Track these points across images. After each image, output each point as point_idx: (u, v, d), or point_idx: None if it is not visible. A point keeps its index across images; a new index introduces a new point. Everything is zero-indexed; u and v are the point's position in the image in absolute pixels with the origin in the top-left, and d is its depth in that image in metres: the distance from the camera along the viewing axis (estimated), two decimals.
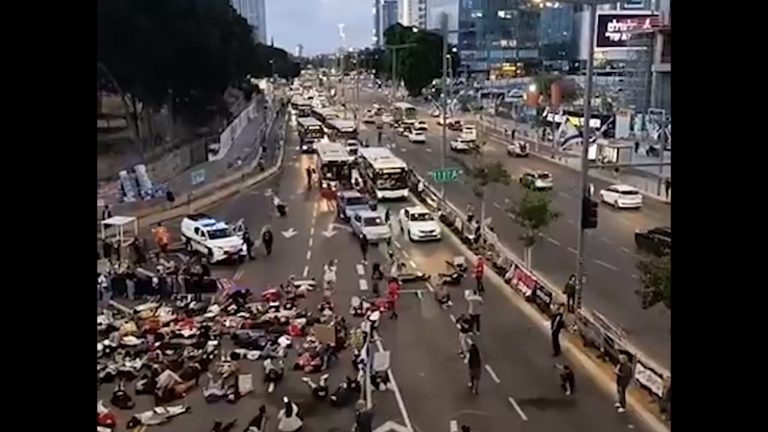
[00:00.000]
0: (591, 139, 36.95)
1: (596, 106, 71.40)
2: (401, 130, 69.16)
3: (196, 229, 29.71)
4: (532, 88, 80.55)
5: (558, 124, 60.26)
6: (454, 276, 25.71)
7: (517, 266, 25.33)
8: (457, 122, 70.65)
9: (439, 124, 77.52)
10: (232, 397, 16.65)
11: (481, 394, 16.76)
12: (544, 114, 69.30)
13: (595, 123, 52.00)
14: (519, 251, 26.49)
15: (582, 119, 44.78)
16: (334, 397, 16.42)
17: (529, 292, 23.47)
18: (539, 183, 40.59)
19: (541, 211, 24.46)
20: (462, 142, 60.44)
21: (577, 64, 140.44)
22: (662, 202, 37.67)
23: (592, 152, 42.72)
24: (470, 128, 71.17)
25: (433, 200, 39.54)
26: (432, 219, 33.59)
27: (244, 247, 29.06)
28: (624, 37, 65.96)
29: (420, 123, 79.61)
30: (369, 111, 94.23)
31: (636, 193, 38.61)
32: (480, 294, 22.71)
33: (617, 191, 38.51)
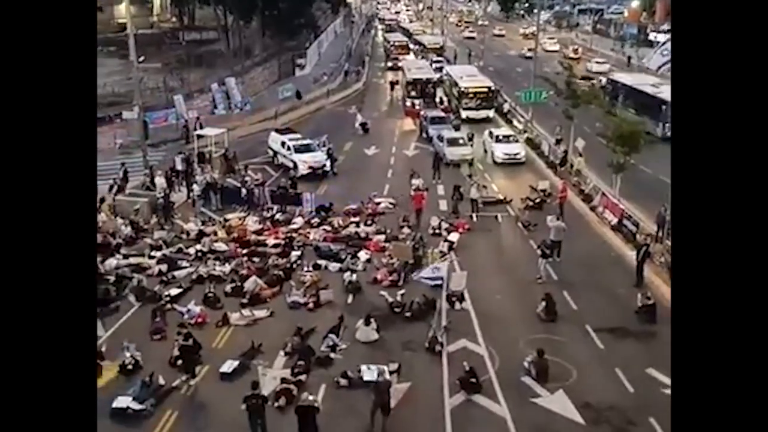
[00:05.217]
0: None
1: None
2: (462, 28, 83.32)
3: (283, 143, 30.39)
4: (635, 3, 74.64)
5: (659, 43, 55.97)
6: (537, 201, 25.15)
7: (604, 193, 24.41)
8: (532, 33, 64.89)
9: (525, 36, 74.75)
10: (312, 305, 17.46)
11: (557, 320, 16.68)
12: (647, 32, 64.35)
13: None
14: (607, 178, 25.44)
15: None
16: (409, 313, 16.87)
17: (615, 221, 22.67)
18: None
19: (635, 136, 23.16)
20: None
21: None
22: None
23: None
24: (552, 39, 68.09)
25: (519, 122, 38.26)
26: (517, 141, 32.62)
27: (328, 163, 29.55)
28: None
29: (467, 20, 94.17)
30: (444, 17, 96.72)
31: (606, 62, 56.44)
32: (561, 220, 22.13)
33: (594, 62, 55.99)
